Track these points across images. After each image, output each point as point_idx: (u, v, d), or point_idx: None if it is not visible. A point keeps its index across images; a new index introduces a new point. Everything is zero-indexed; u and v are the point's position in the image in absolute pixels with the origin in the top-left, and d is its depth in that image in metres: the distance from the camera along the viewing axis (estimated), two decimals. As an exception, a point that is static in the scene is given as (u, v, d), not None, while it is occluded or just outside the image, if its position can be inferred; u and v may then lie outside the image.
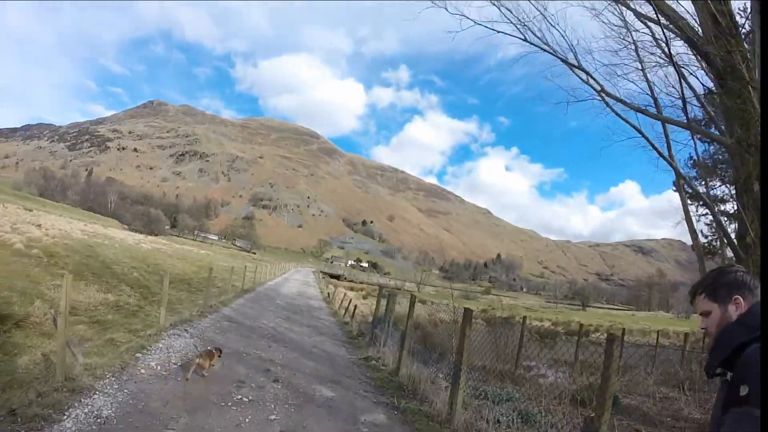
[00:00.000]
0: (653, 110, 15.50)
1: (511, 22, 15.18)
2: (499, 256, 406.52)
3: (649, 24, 14.20)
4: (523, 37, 14.98)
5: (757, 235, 10.41)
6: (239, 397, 7.61)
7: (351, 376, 10.69)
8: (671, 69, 14.22)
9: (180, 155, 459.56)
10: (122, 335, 10.94)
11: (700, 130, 14.78)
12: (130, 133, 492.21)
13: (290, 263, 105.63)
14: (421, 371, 10.39)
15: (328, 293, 39.43)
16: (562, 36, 14.86)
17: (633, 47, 15.15)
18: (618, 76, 15.59)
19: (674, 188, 24.69)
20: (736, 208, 14.76)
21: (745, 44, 11.70)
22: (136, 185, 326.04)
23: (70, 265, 22.45)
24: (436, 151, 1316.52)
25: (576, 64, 14.79)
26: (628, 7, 14.10)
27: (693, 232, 18.23)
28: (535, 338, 19.87)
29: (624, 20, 14.69)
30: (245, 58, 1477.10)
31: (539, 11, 14.56)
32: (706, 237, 24.11)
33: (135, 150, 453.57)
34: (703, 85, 14.67)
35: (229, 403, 7.19)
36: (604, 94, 15.02)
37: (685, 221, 18.15)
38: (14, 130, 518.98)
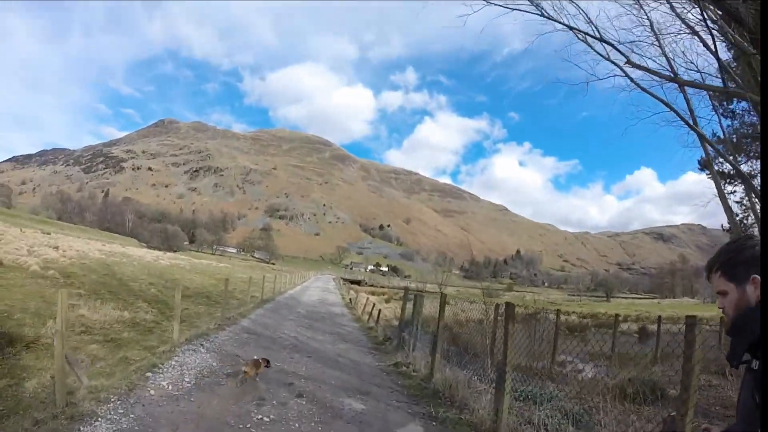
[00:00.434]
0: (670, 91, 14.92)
1: (526, -1, 14.36)
2: (518, 252, 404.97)
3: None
4: (539, 12, 14.15)
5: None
6: (259, 417, 6.83)
7: (380, 385, 9.88)
8: (689, 43, 13.83)
9: (194, 171, 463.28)
10: (136, 353, 10.54)
11: (739, 94, 13.76)
12: (143, 152, 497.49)
13: (309, 271, 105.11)
14: (457, 375, 9.58)
15: (350, 299, 38.59)
16: (579, 11, 14.17)
17: (648, 23, 14.34)
18: (634, 53, 14.79)
19: (699, 167, 24.24)
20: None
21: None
22: (153, 203, 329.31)
23: (87, 284, 22.20)
24: (448, 150, 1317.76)
25: (598, 36, 13.98)
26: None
27: (728, 209, 17.64)
28: (564, 332, 19.02)
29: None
30: (252, 71, 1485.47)
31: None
32: (736, 215, 23.56)
33: (149, 169, 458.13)
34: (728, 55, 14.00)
35: (248, 425, 6.43)
36: (629, 66, 14.22)
37: (718, 198, 17.72)
38: (29, 156, 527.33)
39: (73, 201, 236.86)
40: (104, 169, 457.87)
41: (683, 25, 13.67)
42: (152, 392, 7.30)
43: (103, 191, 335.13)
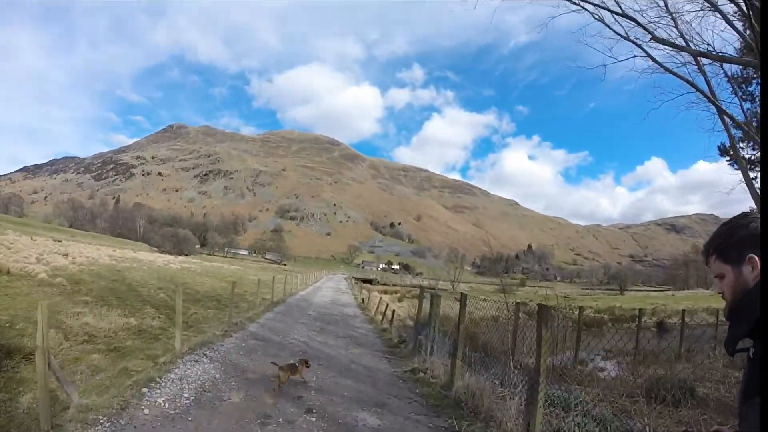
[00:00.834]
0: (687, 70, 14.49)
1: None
2: (530, 246, 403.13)
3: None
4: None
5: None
6: (263, 438, 6.14)
7: (397, 395, 9.16)
8: (706, 22, 13.23)
9: (204, 175, 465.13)
10: (139, 363, 10.04)
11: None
12: (153, 158, 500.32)
13: (321, 271, 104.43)
14: (482, 384, 8.82)
15: (363, 299, 37.88)
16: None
17: (663, 3, 13.68)
18: (649, 34, 14.20)
19: (720, 153, 23.62)
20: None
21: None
22: (164, 208, 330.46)
23: (95, 290, 21.90)
24: (457, 146, 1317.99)
25: (619, 11, 13.31)
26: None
27: (755, 194, 17.14)
28: (581, 328, 18.26)
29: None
30: (259, 74, 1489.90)
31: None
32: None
33: (159, 174, 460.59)
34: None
35: (250, 449, 5.74)
36: (654, 42, 13.58)
37: (744, 185, 17.31)
38: (40, 166, 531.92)
39: (85, 208, 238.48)
40: (115, 175, 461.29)
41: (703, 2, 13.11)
42: (146, 411, 6.66)
43: (114, 198, 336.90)
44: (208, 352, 10.75)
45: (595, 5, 13.71)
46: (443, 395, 9.23)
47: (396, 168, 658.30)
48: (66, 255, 38.26)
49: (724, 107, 16.07)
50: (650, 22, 13.80)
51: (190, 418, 6.54)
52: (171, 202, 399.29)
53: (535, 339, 6.71)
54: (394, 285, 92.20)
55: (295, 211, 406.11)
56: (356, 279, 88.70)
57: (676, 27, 13.96)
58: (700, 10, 13.46)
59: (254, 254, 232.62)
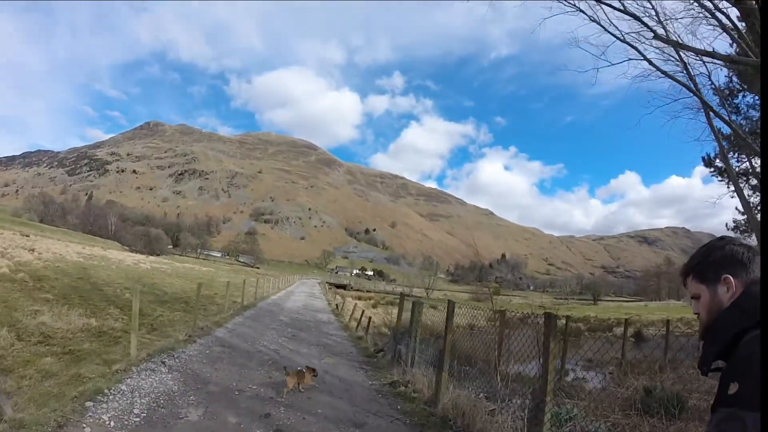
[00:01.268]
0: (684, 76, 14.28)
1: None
2: (503, 255, 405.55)
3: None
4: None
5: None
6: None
7: (377, 411, 8.23)
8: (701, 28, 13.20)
9: (179, 174, 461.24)
10: (94, 368, 9.09)
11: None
12: (128, 155, 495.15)
13: (295, 276, 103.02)
14: (472, 401, 7.97)
15: (336, 305, 36.92)
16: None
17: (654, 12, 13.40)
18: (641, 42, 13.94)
19: (705, 164, 23.61)
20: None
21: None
22: (137, 206, 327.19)
23: (58, 288, 21.33)
24: (434, 155, 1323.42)
25: (621, 8, 12.79)
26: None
27: (746, 203, 17.93)
28: (558, 337, 17.55)
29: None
30: (239, 74, 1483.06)
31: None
32: (743, 213, 22.85)
33: (134, 172, 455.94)
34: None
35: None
36: (657, 41, 13.14)
37: (732, 193, 17.99)
38: (13, 158, 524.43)
39: (56, 203, 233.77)
40: (88, 171, 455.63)
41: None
42: (87, 430, 5.66)
43: (86, 194, 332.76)
44: (167, 360, 9.68)
45: (596, 0, 13.20)
46: (428, 413, 8.36)
47: (372, 174, 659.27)
48: (32, 250, 38.18)
49: (713, 116, 16.20)
50: (643, 30, 13.58)
51: (138, 440, 5.57)
52: (145, 200, 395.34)
53: (539, 352, 5.98)
54: (368, 291, 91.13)
55: (270, 215, 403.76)
56: (330, 284, 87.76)
57: (665, 31, 13.72)
58: (695, 18, 13.29)
59: (227, 256, 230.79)
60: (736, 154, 20.06)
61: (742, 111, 19.31)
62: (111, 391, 7.14)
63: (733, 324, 1.76)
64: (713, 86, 16.52)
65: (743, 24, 13.13)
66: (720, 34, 13.31)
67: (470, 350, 13.00)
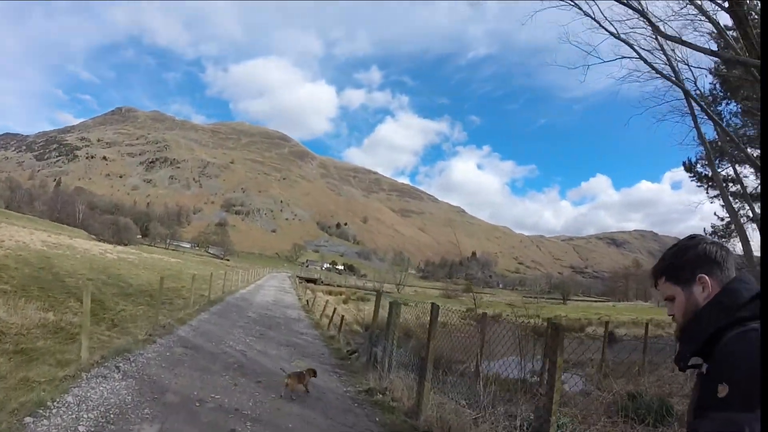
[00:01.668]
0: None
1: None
2: (474, 253, 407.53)
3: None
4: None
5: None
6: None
7: (354, 425, 7.48)
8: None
9: (150, 162, 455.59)
10: (46, 370, 8.25)
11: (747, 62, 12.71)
12: (99, 141, 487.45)
13: (265, 269, 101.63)
14: (458, 413, 7.30)
15: (307, 300, 36.03)
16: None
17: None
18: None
19: (685, 168, 23.63)
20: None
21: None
22: (106, 194, 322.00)
23: (17, 278, 20.72)
24: (408, 151, 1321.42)
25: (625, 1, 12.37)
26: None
27: (730, 208, 17.88)
28: (533, 336, 17.01)
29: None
30: (216, 62, 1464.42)
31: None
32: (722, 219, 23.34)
33: (104, 158, 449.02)
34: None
35: None
36: (661, 36, 12.75)
37: (721, 199, 17.92)
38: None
39: (23, 189, 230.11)
40: (57, 156, 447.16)
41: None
42: (22, 455, 4.87)
43: (55, 180, 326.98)
44: (122, 364, 8.77)
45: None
46: (410, 426, 7.68)
47: (346, 168, 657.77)
48: None
49: (700, 121, 16.23)
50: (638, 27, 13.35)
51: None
52: (114, 188, 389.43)
53: (545, 361, 5.41)
54: (338, 286, 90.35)
55: (241, 206, 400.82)
56: (300, 278, 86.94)
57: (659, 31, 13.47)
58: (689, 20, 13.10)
59: (197, 248, 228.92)
60: (717, 161, 19.90)
61: (724, 118, 19.16)
62: (55, 403, 6.29)
63: (712, 321, 1.72)
64: (698, 92, 16.69)
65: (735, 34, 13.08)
66: (708, 40, 13.34)
67: (447, 350, 12.55)
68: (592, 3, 13.15)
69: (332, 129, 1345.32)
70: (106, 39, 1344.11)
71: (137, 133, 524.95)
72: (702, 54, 12.83)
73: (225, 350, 11.96)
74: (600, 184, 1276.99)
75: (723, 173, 20.18)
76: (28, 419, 5.66)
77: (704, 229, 24.16)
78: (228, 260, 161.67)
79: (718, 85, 19.35)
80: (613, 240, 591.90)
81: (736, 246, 17.60)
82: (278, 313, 24.70)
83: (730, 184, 20.30)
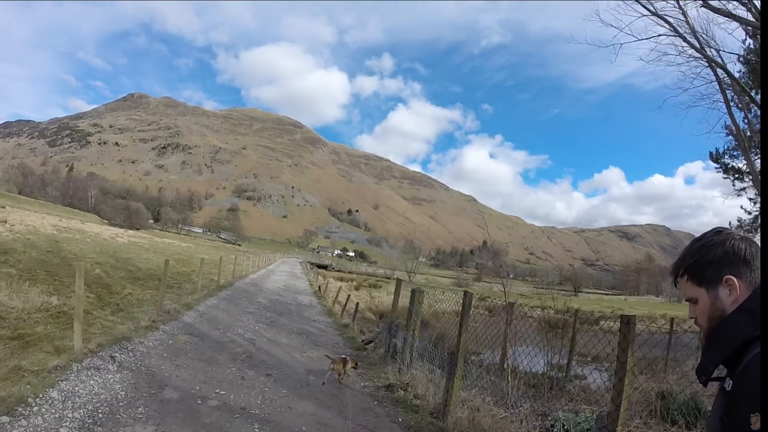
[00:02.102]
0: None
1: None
2: (485, 243, 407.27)
3: None
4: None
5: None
6: None
7: (375, 427, 6.65)
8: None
9: (162, 148, 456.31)
10: (42, 357, 7.58)
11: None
12: (111, 126, 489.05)
13: (276, 254, 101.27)
14: (495, 418, 6.46)
15: (319, 286, 35.29)
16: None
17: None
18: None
19: (711, 158, 22.70)
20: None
21: None
22: (118, 180, 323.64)
23: (24, 262, 19.89)
24: (420, 139, 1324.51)
25: None
26: None
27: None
28: (575, 335, 16.22)
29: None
30: (227, 49, 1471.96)
31: None
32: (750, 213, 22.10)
33: (116, 144, 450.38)
34: None
35: None
36: (705, 8, 11.99)
37: (755, 188, 17.54)
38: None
39: (35, 175, 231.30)
40: (70, 142, 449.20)
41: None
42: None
43: (67, 166, 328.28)
44: (118, 354, 7.94)
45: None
46: (438, 428, 6.85)
47: (357, 155, 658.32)
48: (4, 222, 37.43)
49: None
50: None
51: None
52: (126, 173, 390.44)
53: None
54: (349, 272, 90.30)
55: (253, 191, 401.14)
56: (311, 264, 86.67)
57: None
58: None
59: (208, 232, 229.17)
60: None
61: (752, 109, 18.33)
62: (38, 399, 5.51)
63: (740, 331, 1.51)
64: (733, 79, 15.84)
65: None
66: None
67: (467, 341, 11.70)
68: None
69: (344, 116, 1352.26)
70: (117, 25, 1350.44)
71: (149, 119, 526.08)
72: (732, 39, 12.28)
73: (233, 338, 11.17)
74: (613, 176, 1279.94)
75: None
76: (4, 418, 4.90)
77: (729, 222, 23.34)
78: (239, 245, 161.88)
79: (746, 74, 18.52)
80: (625, 233, 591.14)
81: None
82: (289, 298, 24.00)
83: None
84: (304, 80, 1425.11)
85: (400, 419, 7.20)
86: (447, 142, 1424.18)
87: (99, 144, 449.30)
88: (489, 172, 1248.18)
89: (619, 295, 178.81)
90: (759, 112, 18.71)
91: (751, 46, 16.23)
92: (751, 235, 20.90)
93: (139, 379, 6.97)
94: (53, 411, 5.30)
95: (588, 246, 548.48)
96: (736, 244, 1.61)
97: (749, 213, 22.19)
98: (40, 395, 5.62)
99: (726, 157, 21.69)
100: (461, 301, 7.50)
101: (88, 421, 5.19)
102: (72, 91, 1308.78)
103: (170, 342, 9.66)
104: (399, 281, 13.01)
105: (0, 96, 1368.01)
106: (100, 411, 5.50)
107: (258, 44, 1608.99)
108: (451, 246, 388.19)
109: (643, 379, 11.91)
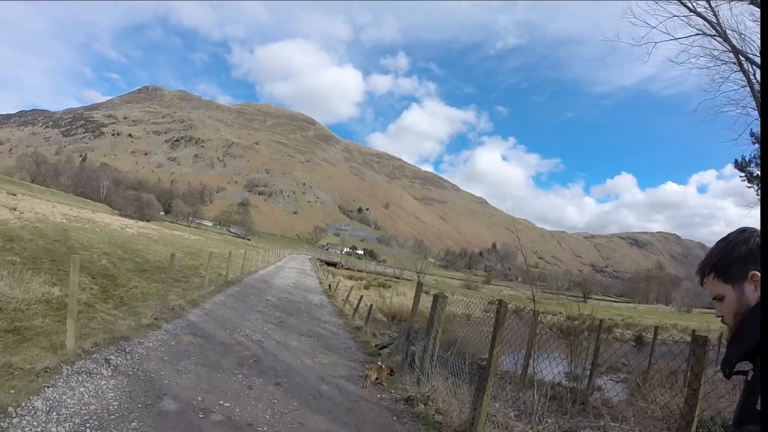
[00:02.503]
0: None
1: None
2: (494, 245, 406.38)
3: None
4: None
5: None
6: None
7: (396, 449, 5.98)
8: None
9: (175, 141, 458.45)
10: (35, 354, 7.06)
11: None
12: (125, 118, 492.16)
13: (285, 250, 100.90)
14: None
15: (329, 284, 34.63)
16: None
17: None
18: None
19: (736, 166, 21.97)
20: None
21: None
22: (131, 171, 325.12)
23: (29, 250, 19.58)
24: (433, 139, 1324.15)
25: None
26: None
27: None
28: (598, 347, 15.44)
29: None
30: (242, 44, 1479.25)
31: None
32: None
33: (130, 135, 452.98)
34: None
35: None
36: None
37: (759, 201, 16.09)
38: (8, 116, 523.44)
39: (49, 164, 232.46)
40: (84, 133, 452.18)
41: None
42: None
43: (80, 155, 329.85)
44: (114, 356, 7.24)
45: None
46: (465, 450, 6.13)
47: (369, 153, 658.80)
48: (14, 209, 37.27)
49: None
50: None
51: None
52: (139, 165, 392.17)
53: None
54: (359, 270, 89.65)
55: (264, 186, 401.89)
56: (321, 261, 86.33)
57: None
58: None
59: (219, 226, 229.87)
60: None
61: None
62: (20, 409, 4.85)
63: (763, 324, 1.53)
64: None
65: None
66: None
67: (474, 344, 11.84)
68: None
69: (357, 113, 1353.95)
70: (134, 19, 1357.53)
71: (163, 112, 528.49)
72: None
73: (239, 340, 10.49)
74: (625, 182, 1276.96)
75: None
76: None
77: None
78: (249, 240, 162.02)
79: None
80: (635, 240, 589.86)
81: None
82: (299, 297, 23.34)
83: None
84: (319, 77, 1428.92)
85: (423, 439, 6.50)
86: (460, 142, 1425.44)
87: (112, 135, 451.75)
88: (501, 175, 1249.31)
89: (628, 302, 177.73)
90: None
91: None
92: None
93: (135, 386, 6.29)
94: (35, 424, 4.65)
95: (597, 252, 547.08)
96: (760, 242, 1.62)
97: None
98: (23, 404, 4.98)
99: (752, 165, 21.04)
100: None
101: (77, 438, 4.53)
102: (87, 82, 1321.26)
103: (172, 343, 8.98)
104: (419, 284, 12.26)
105: (16, 86, 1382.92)
106: (88, 425, 4.83)
107: (273, 40, 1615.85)
108: (461, 247, 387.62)
109: (660, 391, 11.43)
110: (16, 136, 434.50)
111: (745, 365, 1.57)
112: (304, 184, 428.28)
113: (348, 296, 25.16)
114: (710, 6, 13.16)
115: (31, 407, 4.96)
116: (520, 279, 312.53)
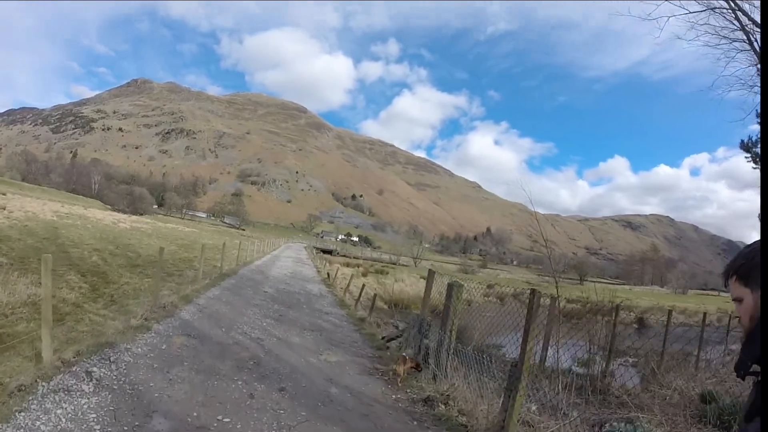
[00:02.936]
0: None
1: None
2: (488, 229, 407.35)
3: None
4: None
5: None
6: None
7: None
8: None
9: (166, 133, 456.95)
10: (17, 365, 6.57)
11: None
12: (114, 112, 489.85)
13: (280, 239, 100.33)
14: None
15: (327, 273, 33.86)
16: None
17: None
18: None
19: (742, 147, 21.47)
20: None
21: None
22: (122, 165, 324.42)
23: (17, 249, 19.29)
24: (425, 124, 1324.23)
25: None
26: None
27: None
28: (615, 334, 14.76)
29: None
30: (231, 34, 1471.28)
31: None
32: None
33: (120, 130, 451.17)
34: None
35: None
36: None
37: None
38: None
39: (39, 161, 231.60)
40: (73, 129, 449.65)
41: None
42: None
43: (71, 152, 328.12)
44: (97, 367, 6.40)
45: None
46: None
47: (362, 140, 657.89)
48: (3, 208, 37.18)
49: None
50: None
51: None
52: (130, 159, 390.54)
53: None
54: (355, 257, 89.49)
55: (257, 176, 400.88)
56: (317, 249, 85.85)
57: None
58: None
59: (213, 217, 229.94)
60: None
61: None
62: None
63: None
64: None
65: None
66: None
67: (481, 331, 11.69)
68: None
69: (349, 101, 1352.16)
70: (120, 11, 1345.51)
71: (153, 105, 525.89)
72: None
73: (237, 339, 9.67)
74: (618, 165, 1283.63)
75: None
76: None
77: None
78: (243, 230, 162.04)
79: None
80: (629, 223, 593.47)
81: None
82: (297, 287, 22.57)
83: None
84: (309, 65, 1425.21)
85: (448, 448, 5.74)
86: (452, 128, 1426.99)
87: (103, 130, 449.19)
88: (494, 159, 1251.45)
89: (624, 284, 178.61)
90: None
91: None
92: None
93: (120, 403, 5.45)
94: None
95: (592, 234, 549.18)
96: (760, 242, 1.70)
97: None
98: (-10, 431, 4.19)
99: (758, 146, 20.57)
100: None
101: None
102: (75, 77, 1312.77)
103: (163, 347, 8.13)
104: (431, 272, 11.37)
105: (4, 84, 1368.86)
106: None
107: (262, 29, 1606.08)
108: (455, 232, 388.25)
109: (672, 376, 11.19)
110: (5, 135, 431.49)
111: (758, 367, 1.58)
112: (297, 172, 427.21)
113: (348, 285, 24.41)
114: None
115: (-3, 435, 4.17)
116: (515, 263, 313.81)
